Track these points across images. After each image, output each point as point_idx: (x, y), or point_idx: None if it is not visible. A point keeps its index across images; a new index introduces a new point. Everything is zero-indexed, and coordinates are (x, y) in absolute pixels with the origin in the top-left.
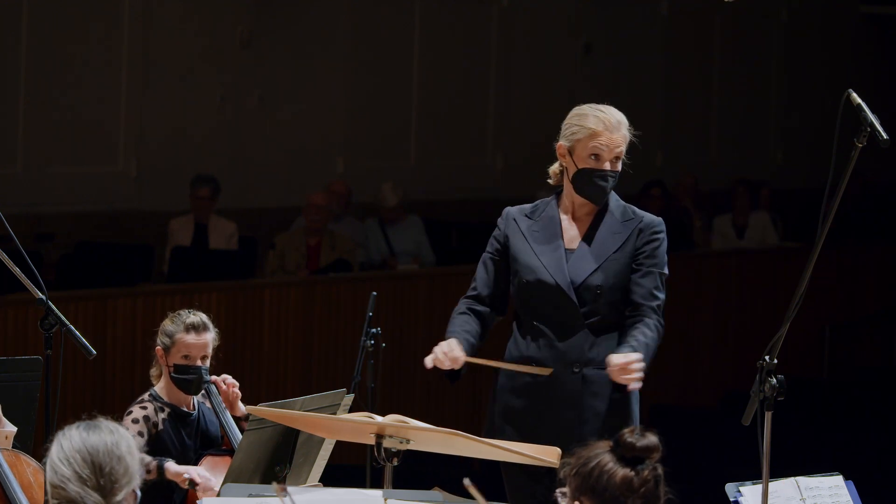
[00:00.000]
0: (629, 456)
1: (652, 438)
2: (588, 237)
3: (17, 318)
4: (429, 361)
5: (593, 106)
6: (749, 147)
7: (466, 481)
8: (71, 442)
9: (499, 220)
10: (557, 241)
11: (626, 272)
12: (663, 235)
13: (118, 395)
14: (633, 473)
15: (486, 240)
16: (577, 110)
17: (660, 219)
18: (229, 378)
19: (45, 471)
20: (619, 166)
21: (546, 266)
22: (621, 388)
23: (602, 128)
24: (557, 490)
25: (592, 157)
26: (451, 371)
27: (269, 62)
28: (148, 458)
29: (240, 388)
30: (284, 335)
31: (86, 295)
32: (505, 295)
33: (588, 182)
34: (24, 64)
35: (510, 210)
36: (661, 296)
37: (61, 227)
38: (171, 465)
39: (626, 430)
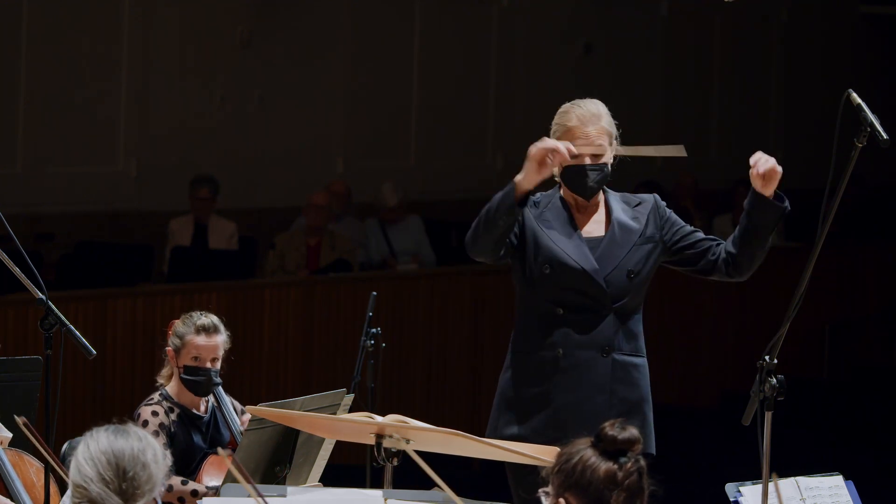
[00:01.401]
0: (611, 449)
1: (633, 431)
2: (608, 223)
3: (17, 318)
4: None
5: (576, 102)
6: (749, 147)
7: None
8: (98, 443)
9: None
10: (570, 228)
11: (651, 255)
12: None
13: (118, 395)
14: (616, 467)
15: None
16: (562, 108)
17: (654, 194)
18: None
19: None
20: (606, 159)
21: (569, 253)
22: (639, 377)
23: (576, 123)
24: (540, 490)
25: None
26: (523, 197)
27: (269, 62)
28: None
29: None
30: (284, 335)
31: (86, 295)
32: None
33: (571, 178)
34: (24, 64)
35: None
36: None
37: (61, 227)
38: None
39: (606, 424)
